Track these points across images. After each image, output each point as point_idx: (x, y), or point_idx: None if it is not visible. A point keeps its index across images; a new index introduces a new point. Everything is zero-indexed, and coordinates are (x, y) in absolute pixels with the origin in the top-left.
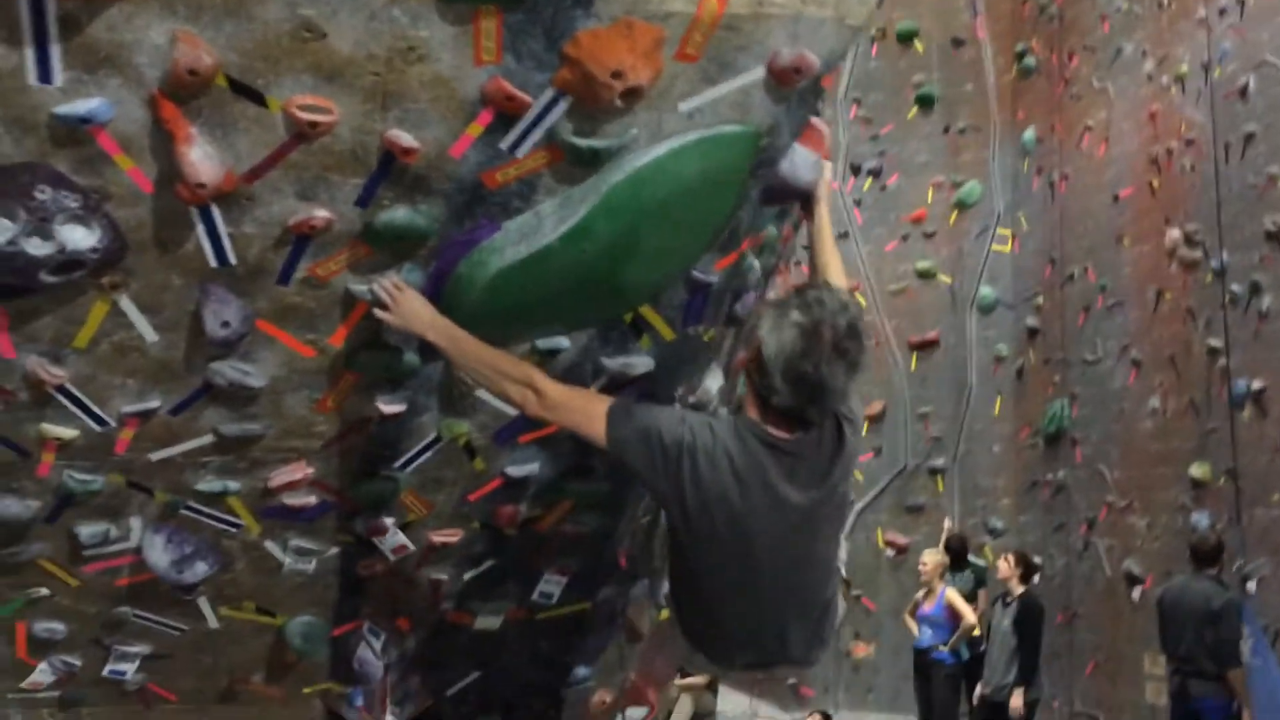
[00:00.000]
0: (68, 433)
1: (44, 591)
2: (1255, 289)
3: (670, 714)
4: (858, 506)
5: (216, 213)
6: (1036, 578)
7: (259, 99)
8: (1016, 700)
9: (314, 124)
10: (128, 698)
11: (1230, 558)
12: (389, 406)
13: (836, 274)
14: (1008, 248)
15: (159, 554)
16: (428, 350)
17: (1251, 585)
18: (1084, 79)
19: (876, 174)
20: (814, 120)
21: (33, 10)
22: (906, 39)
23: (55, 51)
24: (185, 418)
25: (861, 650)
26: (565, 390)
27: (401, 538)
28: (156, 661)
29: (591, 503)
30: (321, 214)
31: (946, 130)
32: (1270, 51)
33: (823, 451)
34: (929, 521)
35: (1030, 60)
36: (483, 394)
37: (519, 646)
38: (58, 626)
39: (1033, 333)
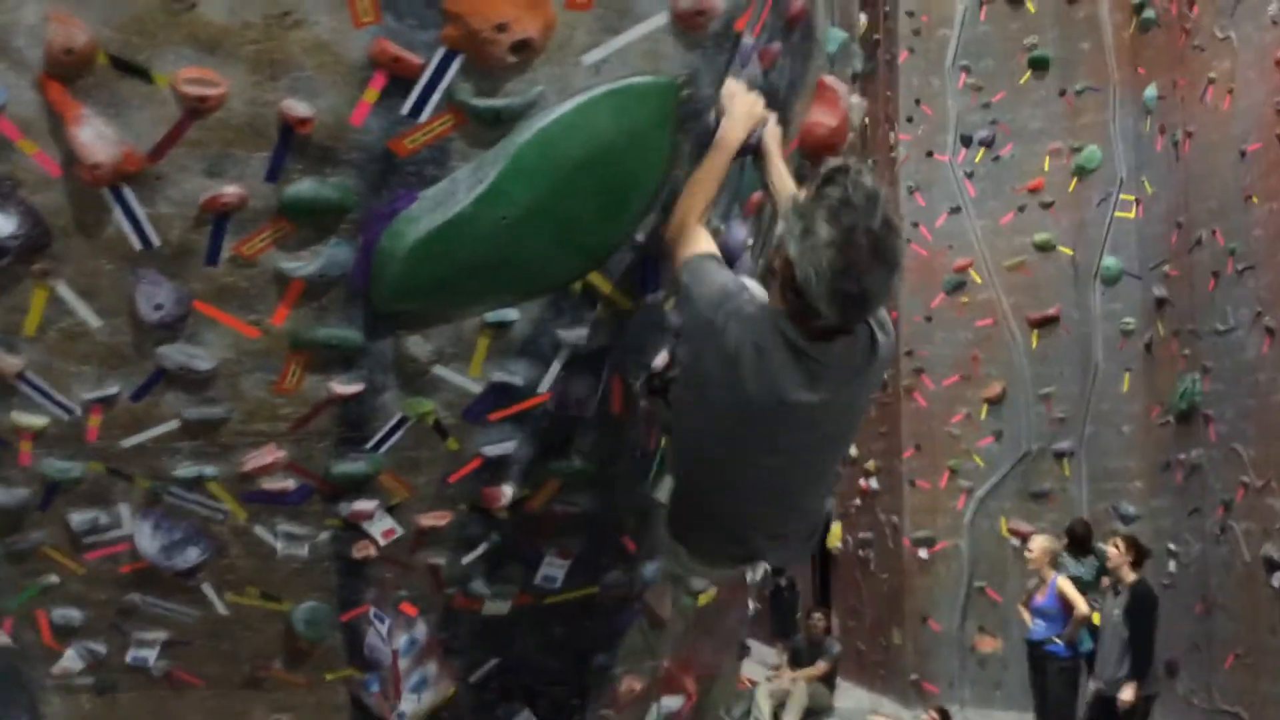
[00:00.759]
0: (37, 421)
1: (54, 579)
2: None
3: (781, 706)
4: (978, 494)
5: (129, 194)
6: (1167, 566)
7: (144, 75)
8: (1128, 694)
9: (203, 98)
10: (156, 683)
11: None
12: (345, 386)
13: None
14: (1132, 214)
15: (147, 540)
16: (373, 326)
17: None
18: (1206, 28)
19: (989, 144)
20: (825, 79)
21: None
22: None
23: None
24: (147, 403)
25: (988, 645)
26: (694, 233)
27: (389, 521)
28: (177, 648)
29: (579, 482)
30: (232, 190)
31: (1063, 93)
32: None
33: (851, 360)
34: (1055, 508)
35: (1150, 12)
36: (439, 370)
37: (532, 633)
38: (74, 613)
39: (1160, 303)
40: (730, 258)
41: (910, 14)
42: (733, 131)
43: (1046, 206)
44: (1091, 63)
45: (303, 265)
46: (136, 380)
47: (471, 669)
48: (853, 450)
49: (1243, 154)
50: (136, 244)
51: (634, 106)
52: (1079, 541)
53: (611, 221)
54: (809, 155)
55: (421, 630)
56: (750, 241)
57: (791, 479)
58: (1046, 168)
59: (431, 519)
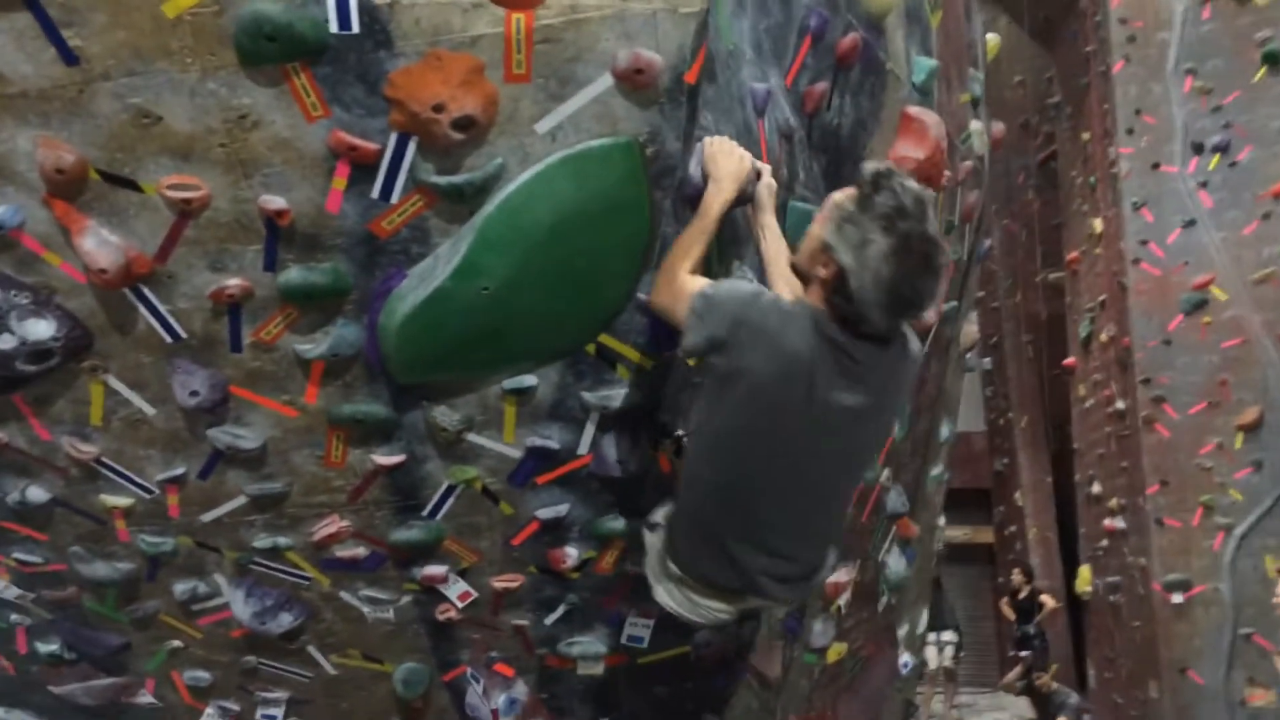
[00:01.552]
0: (123, 501)
1: (177, 644)
2: None
3: None
4: (1238, 531)
5: (149, 293)
6: None
7: (133, 185)
8: None
9: (188, 200)
10: None
11: None
12: (387, 458)
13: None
14: None
15: (241, 606)
16: (400, 400)
17: None
18: None
19: (1223, 149)
20: (910, 110)
21: None
22: None
23: None
24: (213, 481)
25: (1259, 697)
26: (687, 281)
27: (463, 584)
28: (301, 706)
29: (642, 544)
30: (234, 282)
31: None
32: None
33: (888, 362)
34: None
35: None
36: (473, 438)
37: (635, 693)
38: (202, 674)
39: None
40: None
41: (1123, 21)
42: (717, 195)
43: None
44: None
45: (314, 347)
46: (199, 461)
47: None
48: (1096, 488)
49: None
50: (166, 337)
51: (596, 169)
52: None
53: (605, 283)
54: None
55: (521, 690)
56: None
57: (813, 491)
58: None
59: (504, 582)
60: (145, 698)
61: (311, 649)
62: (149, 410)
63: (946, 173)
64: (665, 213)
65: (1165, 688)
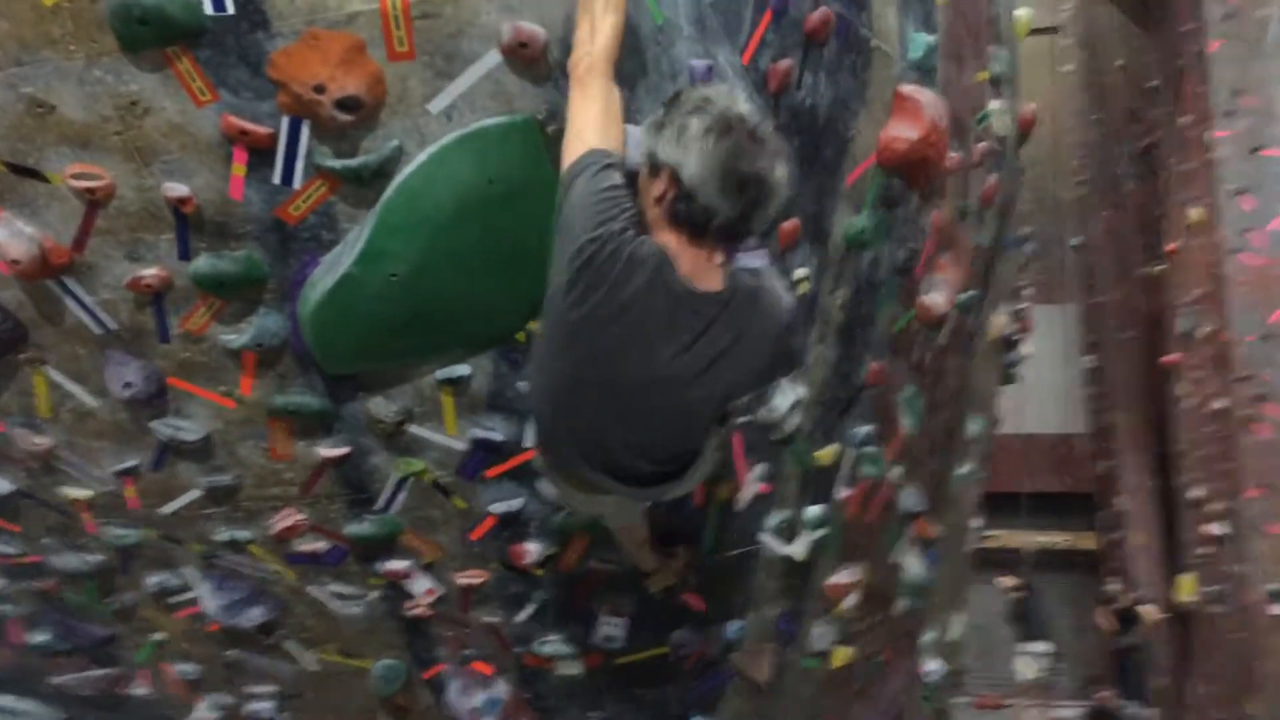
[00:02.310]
0: (84, 492)
1: (161, 636)
2: None
3: None
4: None
5: (72, 284)
6: None
7: (39, 176)
8: None
9: (91, 190)
10: None
11: None
12: (332, 450)
13: None
14: None
15: (210, 600)
16: (335, 391)
17: None
18: None
19: None
20: (903, 89)
21: None
22: None
23: None
24: (166, 474)
25: None
26: (604, 90)
27: (427, 580)
28: (292, 700)
29: (609, 538)
30: (151, 272)
31: None
32: None
33: (737, 313)
34: None
35: None
36: (415, 430)
37: (617, 695)
38: (189, 668)
39: None
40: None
41: None
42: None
43: None
44: None
45: (238, 337)
46: (149, 453)
47: None
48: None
49: None
50: (95, 329)
51: (495, 149)
52: None
53: (523, 268)
54: (891, 172)
55: (502, 689)
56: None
57: (656, 416)
58: None
59: (468, 578)
60: (140, 689)
61: (289, 644)
62: (92, 402)
63: (955, 153)
64: None
65: (1265, 704)
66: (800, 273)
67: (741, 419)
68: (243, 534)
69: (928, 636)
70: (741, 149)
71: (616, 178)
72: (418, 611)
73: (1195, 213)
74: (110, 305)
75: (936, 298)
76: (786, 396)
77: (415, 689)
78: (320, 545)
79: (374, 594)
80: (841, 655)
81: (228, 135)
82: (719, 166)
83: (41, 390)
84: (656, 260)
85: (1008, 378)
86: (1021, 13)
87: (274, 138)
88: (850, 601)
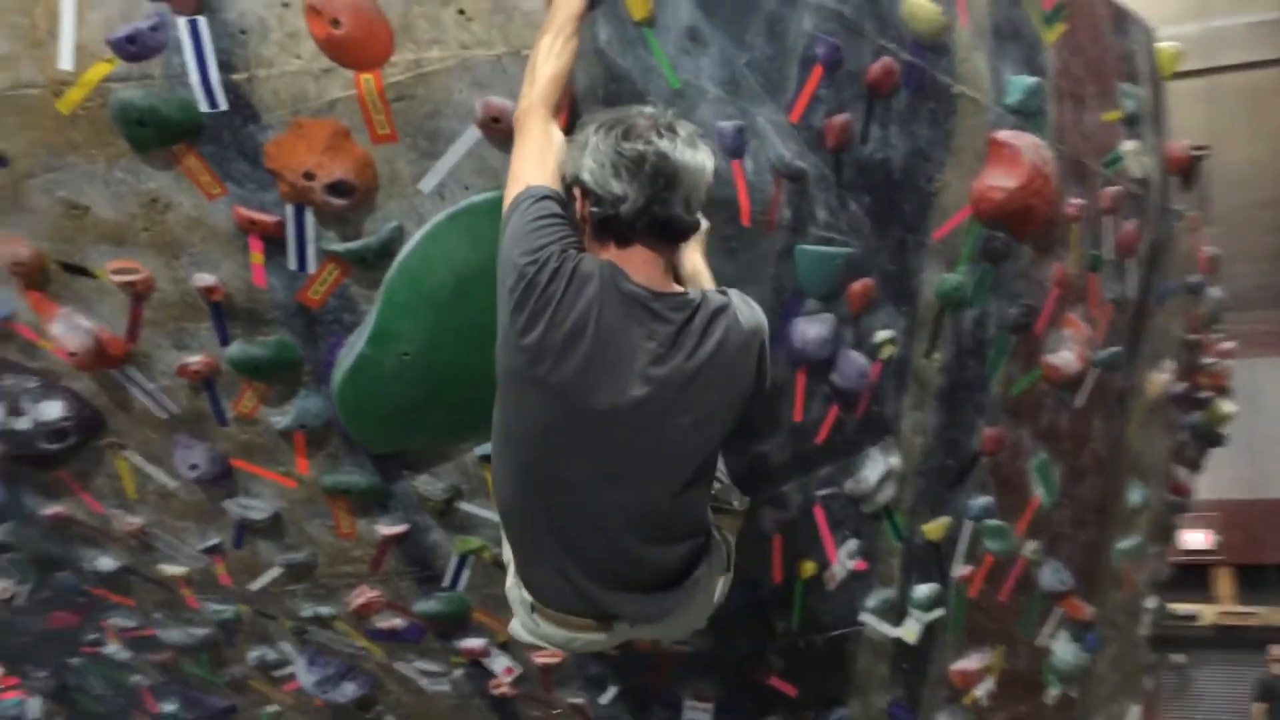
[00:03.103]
0: (179, 569)
1: (275, 708)
2: None
3: None
4: None
5: (134, 372)
6: None
7: (87, 272)
8: None
9: (132, 283)
10: None
11: None
12: (389, 528)
13: None
14: None
15: (304, 675)
16: (384, 469)
17: None
18: None
19: None
20: (998, 136)
21: None
22: None
23: None
24: (248, 552)
25: None
26: (538, 130)
27: (505, 659)
28: None
29: None
30: (197, 359)
31: None
32: None
33: (713, 318)
34: None
35: None
36: (465, 506)
37: None
38: None
39: None
40: (806, 357)
41: None
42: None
43: None
44: None
45: (283, 418)
46: (229, 531)
47: None
48: None
49: None
50: (159, 413)
51: (486, 224)
52: None
53: None
54: (991, 224)
55: None
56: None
57: (626, 484)
58: None
59: (544, 657)
60: None
61: (390, 719)
62: (170, 483)
63: (1075, 200)
64: None
65: None
66: (882, 335)
67: (824, 491)
68: (325, 610)
69: None
70: (633, 130)
71: (553, 207)
72: (502, 690)
73: None
74: (170, 391)
75: (1066, 356)
76: (877, 467)
77: None
78: (398, 622)
79: (458, 672)
80: None
81: (240, 226)
82: (611, 150)
83: (125, 473)
84: (604, 270)
85: (1212, 440)
86: (1166, 46)
87: (282, 225)
88: (983, 689)
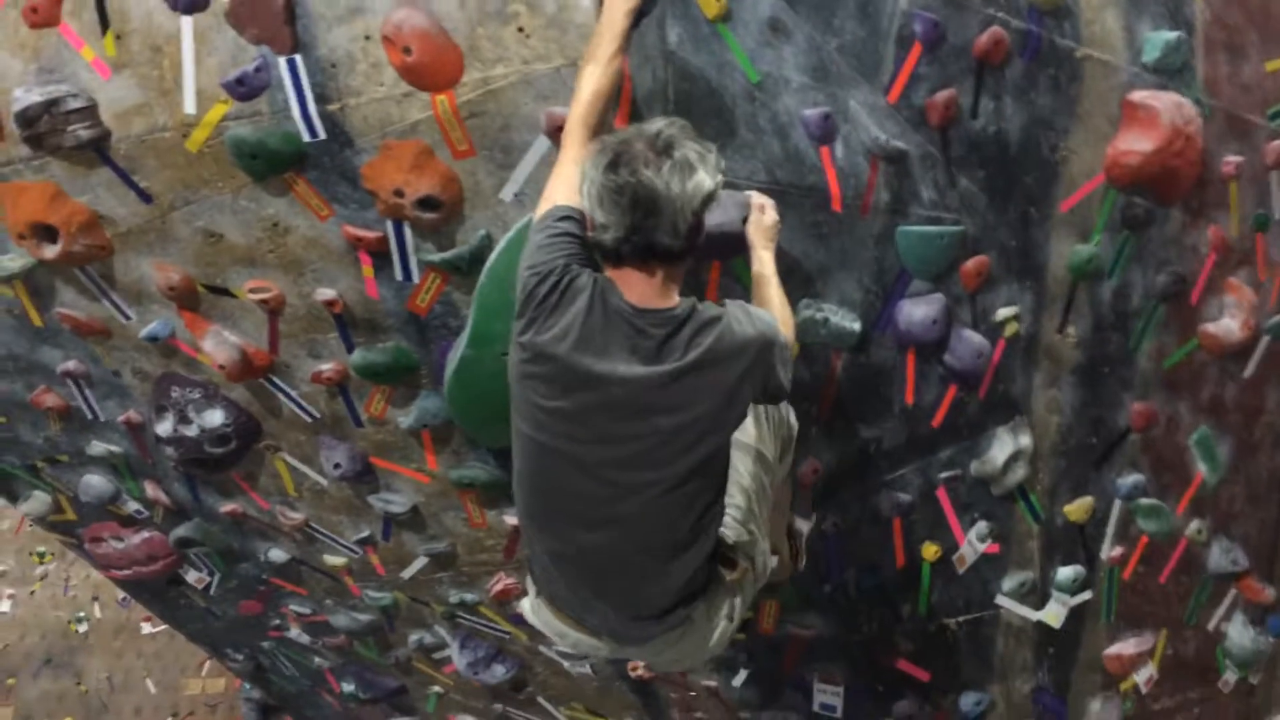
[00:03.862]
0: (339, 560)
1: (439, 688)
2: None
3: None
4: None
5: (279, 380)
6: None
7: (229, 293)
8: None
9: (265, 301)
10: None
11: None
12: (515, 519)
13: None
14: None
15: (458, 657)
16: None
17: None
18: None
19: None
20: (1132, 97)
21: (88, 277)
22: None
23: (116, 296)
24: (395, 542)
25: None
26: (574, 151)
27: None
28: None
29: (798, 603)
30: (329, 366)
31: None
32: None
33: (702, 327)
34: None
35: None
36: None
37: None
38: (468, 718)
39: None
40: (913, 339)
41: None
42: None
43: None
44: None
45: (407, 419)
46: (378, 524)
47: None
48: None
49: None
50: (305, 417)
51: None
52: None
53: None
54: (1129, 190)
55: None
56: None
57: (613, 498)
58: None
59: None
60: None
61: (541, 700)
62: (323, 481)
63: (1232, 158)
64: None
65: None
66: (1004, 312)
67: (946, 474)
68: (470, 596)
69: None
70: (621, 158)
71: (569, 227)
72: (639, 673)
73: None
74: (310, 397)
75: (1227, 324)
76: (1005, 447)
77: None
78: None
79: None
80: None
81: (350, 242)
82: (599, 179)
83: (284, 472)
84: (596, 284)
85: None
86: None
87: (385, 240)
88: (1143, 675)
